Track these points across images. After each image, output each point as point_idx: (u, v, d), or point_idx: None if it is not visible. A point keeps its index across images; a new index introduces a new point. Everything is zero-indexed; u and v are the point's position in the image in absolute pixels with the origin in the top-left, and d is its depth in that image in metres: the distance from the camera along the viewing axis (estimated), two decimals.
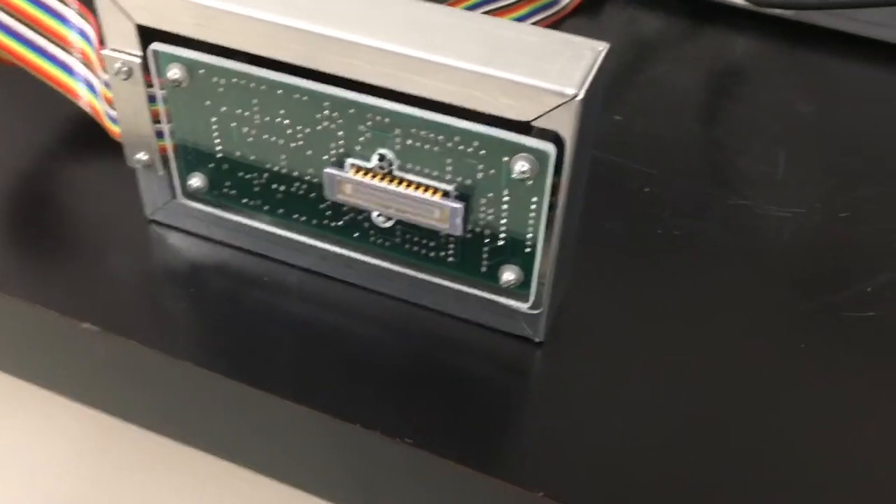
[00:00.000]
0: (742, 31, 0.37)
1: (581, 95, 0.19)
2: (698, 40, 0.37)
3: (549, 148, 0.20)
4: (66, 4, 0.27)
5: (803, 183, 0.30)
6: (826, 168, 0.30)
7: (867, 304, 0.26)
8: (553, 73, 0.20)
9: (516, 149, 0.21)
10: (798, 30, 0.36)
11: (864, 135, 0.32)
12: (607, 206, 0.28)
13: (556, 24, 0.37)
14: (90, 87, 0.27)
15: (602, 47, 0.21)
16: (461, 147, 0.21)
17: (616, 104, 0.33)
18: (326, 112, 0.22)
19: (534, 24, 0.36)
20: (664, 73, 0.35)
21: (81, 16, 0.26)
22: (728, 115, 0.33)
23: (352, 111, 0.22)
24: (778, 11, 0.36)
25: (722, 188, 0.29)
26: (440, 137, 0.21)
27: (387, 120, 0.22)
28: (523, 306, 0.23)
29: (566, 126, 0.20)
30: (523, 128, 0.21)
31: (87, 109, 0.27)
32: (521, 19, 0.35)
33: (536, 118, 0.20)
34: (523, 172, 0.21)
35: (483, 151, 0.21)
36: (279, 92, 0.22)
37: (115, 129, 0.26)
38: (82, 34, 0.27)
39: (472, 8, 0.34)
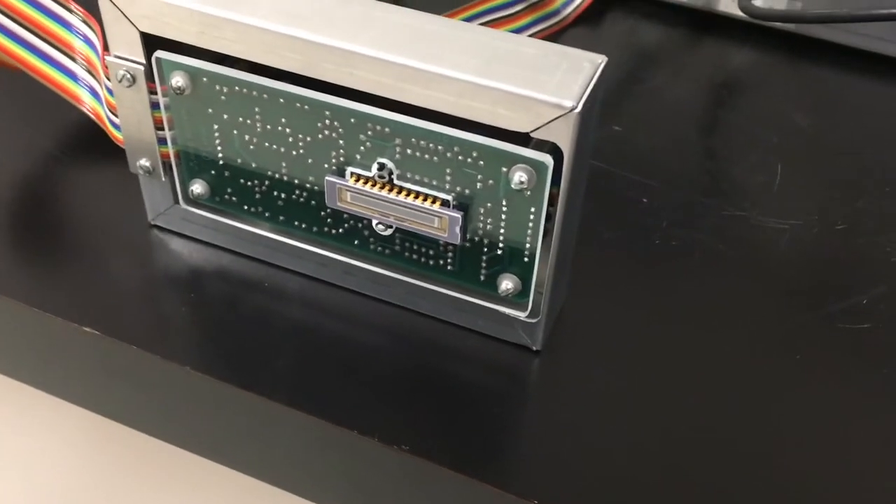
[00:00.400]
0: (742, 43, 0.37)
1: (579, 108, 0.20)
2: (698, 51, 0.37)
3: (547, 159, 0.21)
4: (70, 11, 0.27)
5: (800, 194, 0.30)
6: (823, 180, 0.31)
7: (862, 316, 0.26)
8: (552, 85, 0.20)
9: (514, 160, 0.21)
10: (797, 42, 0.37)
11: (862, 147, 0.32)
12: (606, 216, 0.28)
13: (557, 34, 0.37)
14: (94, 93, 0.27)
15: (601, 60, 0.21)
16: (460, 157, 0.22)
17: (615, 115, 0.33)
18: (327, 121, 0.22)
19: (535, 33, 0.36)
20: (664, 83, 0.35)
21: (86, 22, 0.27)
22: (726, 127, 0.33)
23: (352, 120, 0.22)
24: (778, 24, 0.37)
25: (719, 199, 0.29)
26: (439, 147, 0.22)
27: (387, 130, 0.22)
28: (521, 315, 0.24)
29: (564, 138, 0.20)
30: (522, 139, 0.21)
31: (91, 115, 0.27)
32: (522, 29, 0.36)
33: (535, 130, 0.20)
34: (521, 183, 0.21)
35: (482, 162, 0.21)
36: (280, 101, 0.23)
37: (118, 136, 0.26)
38: (86, 41, 0.27)
39: (473, 17, 0.34)
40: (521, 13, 0.36)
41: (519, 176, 0.21)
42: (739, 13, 0.36)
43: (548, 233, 0.22)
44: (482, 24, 0.35)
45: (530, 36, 0.36)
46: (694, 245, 0.28)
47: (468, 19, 0.34)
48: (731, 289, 0.27)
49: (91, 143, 0.28)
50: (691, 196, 0.30)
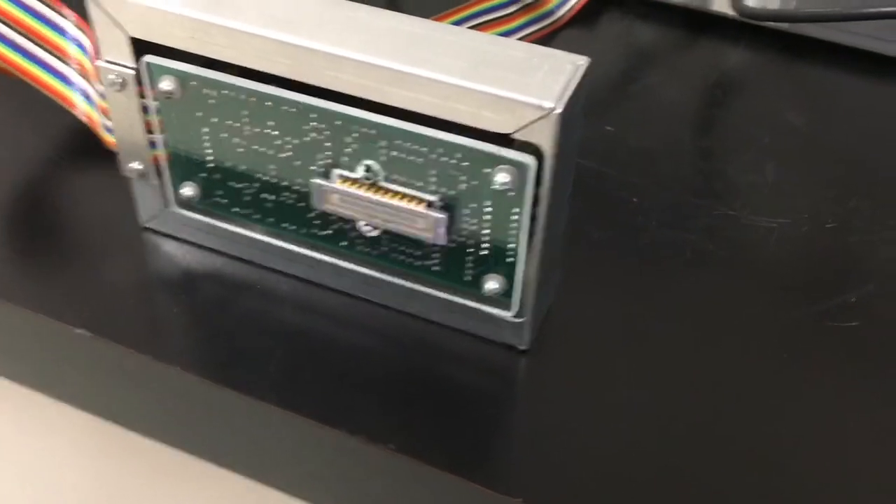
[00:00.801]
0: (736, 42, 0.37)
1: (559, 109, 0.20)
2: (693, 51, 0.37)
3: (529, 160, 0.21)
4: (63, 16, 0.27)
5: (792, 193, 0.30)
6: (815, 179, 0.31)
7: (851, 315, 0.26)
8: (533, 86, 0.20)
9: (497, 161, 0.21)
10: (791, 41, 0.37)
11: (854, 146, 0.32)
12: (596, 215, 0.29)
13: (552, 34, 0.37)
14: (86, 97, 0.27)
15: (583, 61, 0.21)
16: (444, 158, 0.22)
17: (608, 114, 0.33)
18: (314, 124, 0.23)
19: (529, 34, 0.36)
20: (657, 83, 0.35)
21: (78, 27, 0.27)
22: (719, 126, 0.34)
23: (338, 123, 0.22)
24: (771, 23, 0.37)
25: (710, 198, 0.30)
26: (424, 149, 0.22)
27: (372, 132, 0.22)
28: (507, 315, 0.24)
29: (546, 139, 0.20)
30: (504, 140, 0.21)
31: (84, 119, 0.28)
32: (517, 30, 0.36)
33: (516, 131, 0.20)
34: (504, 184, 0.21)
35: (466, 163, 0.22)
36: (268, 104, 0.23)
37: (110, 139, 0.26)
38: (79, 45, 0.27)
39: (468, 19, 0.35)
40: (516, 14, 0.36)
41: (502, 177, 0.21)
42: (734, 12, 0.36)
43: (532, 233, 0.22)
44: (477, 24, 0.35)
45: (525, 36, 0.36)
46: (684, 245, 0.28)
47: (463, 20, 0.34)
48: (722, 288, 0.27)
49: (84, 146, 0.29)
50: (682, 196, 0.30)
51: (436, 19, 0.33)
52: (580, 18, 0.38)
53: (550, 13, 0.37)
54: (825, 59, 0.36)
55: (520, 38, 0.36)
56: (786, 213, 0.29)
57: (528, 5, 0.36)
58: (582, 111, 0.21)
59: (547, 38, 0.37)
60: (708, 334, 0.25)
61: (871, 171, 0.31)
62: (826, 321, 0.26)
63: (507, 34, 0.35)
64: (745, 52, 0.37)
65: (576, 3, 0.37)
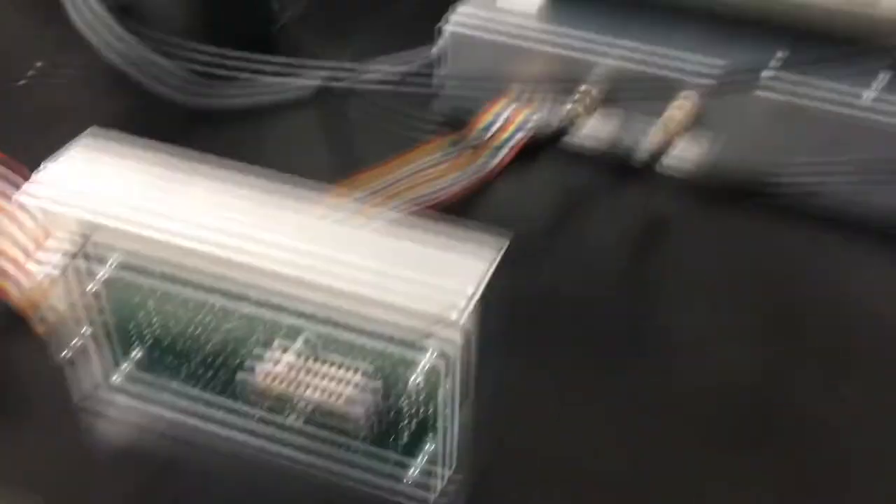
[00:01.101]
0: (663, 188, 0.38)
1: (463, 320, 0.21)
2: (621, 198, 0.38)
3: (440, 364, 0.22)
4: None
5: (719, 342, 0.31)
6: (743, 327, 0.32)
7: (776, 466, 0.27)
8: (440, 294, 0.21)
9: (411, 363, 0.22)
10: (716, 187, 0.38)
11: (779, 294, 0.34)
12: (529, 368, 0.29)
13: (486, 183, 0.38)
14: (17, 285, 0.28)
15: (497, 249, 0.22)
16: (362, 357, 0.23)
17: (540, 262, 0.34)
18: (237, 323, 0.24)
19: (463, 187, 0.37)
20: (587, 230, 0.36)
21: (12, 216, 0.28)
22: (647, 273, 0.35)
23: (260, 327, 0.23)
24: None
25: (641, 347, 0.31)
26: (341, 348, 0.23)
27: (293, 330, 0.23)
28: (431, 497, 0.25)
29: (451, 346, 0.21)
30: (418, 340, 0.22)
31: (16, 305, 0.28)
32: (449, 185, 0.37)
33: (425, 338, 0.21)
34: (419, 383, 0.22)
35: (382, 363, 0.23)
36: (196, 303, 0.24)
37: (42, 328, 0.27)
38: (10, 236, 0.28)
39: (402, 177, 0.36)
40: (447, 169, 0.37)
41: (416, 376, 0.22)
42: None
43: (451, 419, 0.23)
44: (410, 176, 0.36)
45: (458, 189, 0.37)
46: (613, 397, 0.29)
47: (397, 174, 0.36)
48: (653, 440, 0.28)
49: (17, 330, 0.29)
50: (613, 344, 0.31)
51: (371, 171, 0.35)
52: (513, 167, 0.39)
53: (483, 165, 0.38)
54: (749, 204, 0.37)
55: (453, 190, 0.37)
56: (715, 363, 0.30)
57: (459, 159, 0.38)
58: (497, 290, 0.22)
59: (478, 189, 0.38)
60: (636, 489, 0.26)
61: (797, 317, 0.32)
62: (751, 471, 0.27)
63: (440, 189, 0.37)
64: (671, 197, 0.38)
65: (506, 154, 0.39)
